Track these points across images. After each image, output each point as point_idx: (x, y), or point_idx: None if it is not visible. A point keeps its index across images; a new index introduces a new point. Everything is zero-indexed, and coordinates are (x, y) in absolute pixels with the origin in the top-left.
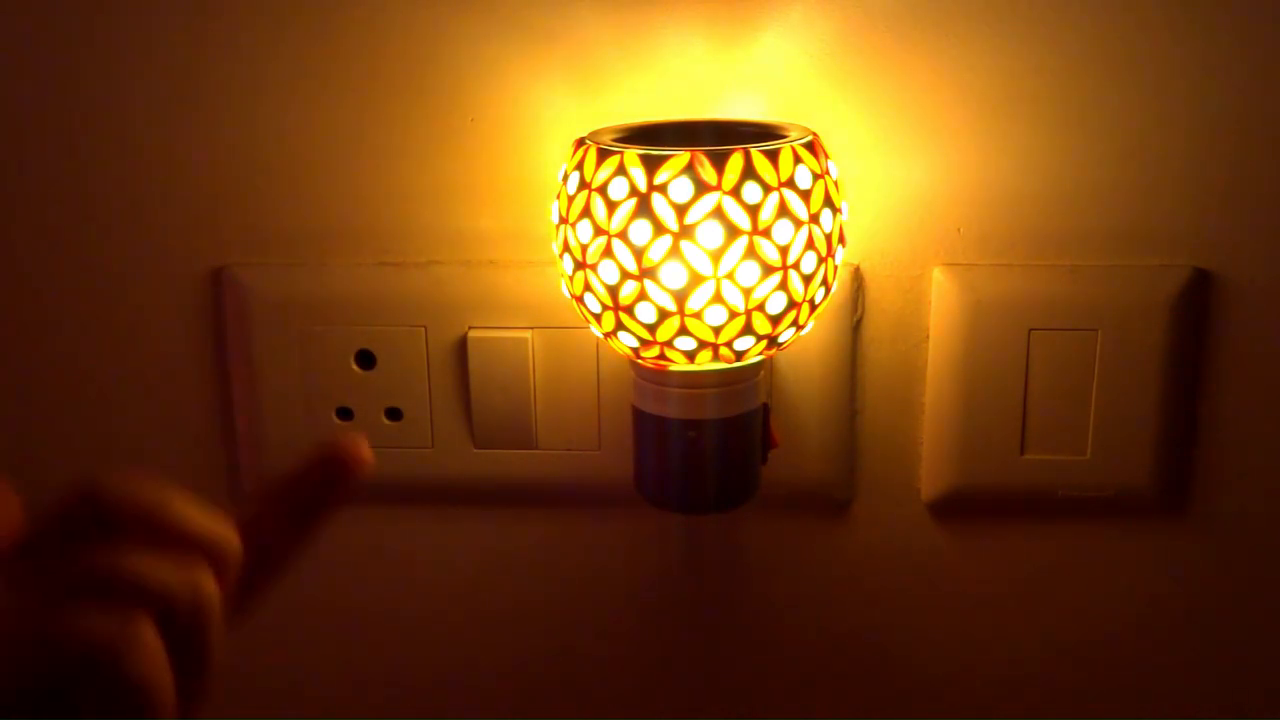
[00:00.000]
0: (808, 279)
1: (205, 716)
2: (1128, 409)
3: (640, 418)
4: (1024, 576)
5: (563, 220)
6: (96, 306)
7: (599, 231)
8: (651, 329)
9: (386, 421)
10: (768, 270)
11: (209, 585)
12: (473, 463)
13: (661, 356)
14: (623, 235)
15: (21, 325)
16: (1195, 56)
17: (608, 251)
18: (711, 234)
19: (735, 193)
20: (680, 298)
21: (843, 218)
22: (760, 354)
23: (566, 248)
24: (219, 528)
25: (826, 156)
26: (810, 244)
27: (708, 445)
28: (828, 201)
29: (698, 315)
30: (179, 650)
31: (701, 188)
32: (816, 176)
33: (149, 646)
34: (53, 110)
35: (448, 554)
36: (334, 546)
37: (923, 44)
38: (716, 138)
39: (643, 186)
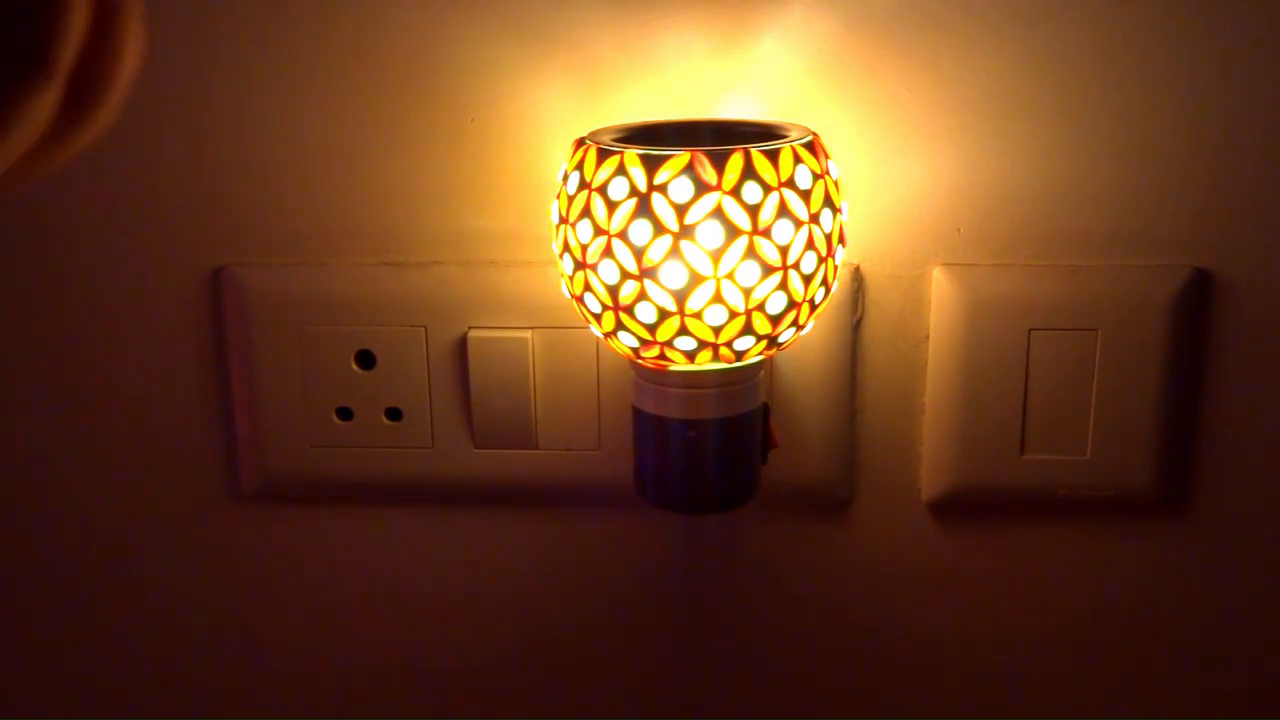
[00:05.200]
0: (808, 279)
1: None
2: (1128, 409)
3: (640, 418)
4: (1024, 576)
5: (563, 220)
6: (96, 306)
7: (599, 231)
8: (651, 329)
9: (386, 421)
10: (768, 270)
11: None
12: (473, 463)
13: (661, 356)
14: (623, 235)
15: (21, 324)
16: (1196, 56)
17: (608, 251)
18: (711, 234)
19: (735, 193)
20: (680, 298)
21: (843, 218)
22: (760, 354)
23: (566, 248)
24: None
25: (827, 156)
26: (810, 244)
27: (708, 445)
28: (828, 201)
29: (698, 315)
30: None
31: (701, 188)
32: (816, 176)
33: None
34: None
35: (448, 554)
36: (334, 546)
37: (922, 44)
38: (716, 138)
39: (643, 186)
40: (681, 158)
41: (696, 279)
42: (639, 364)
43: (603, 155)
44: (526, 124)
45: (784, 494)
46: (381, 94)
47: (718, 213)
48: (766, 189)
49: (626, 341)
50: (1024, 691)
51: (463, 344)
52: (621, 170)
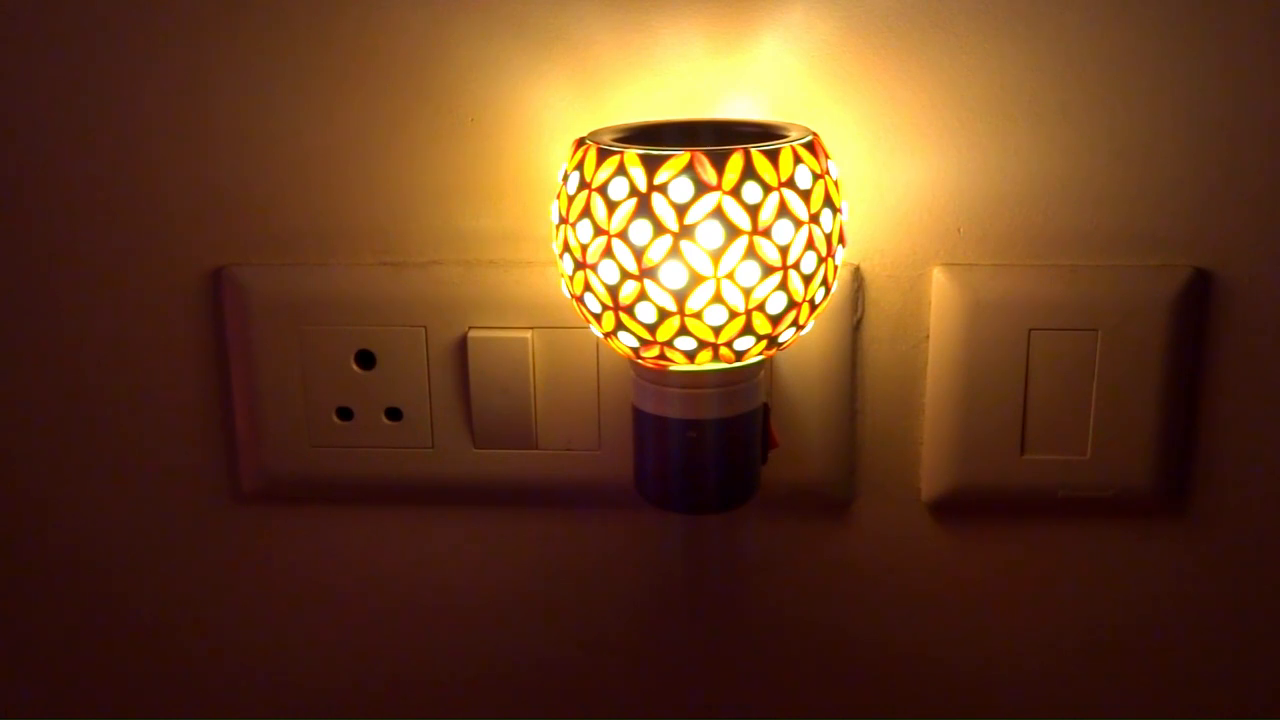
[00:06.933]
0: (808, 279)
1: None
2: (1128, 409)
3: (640, 418)
4: (1024, 576)
5: (563, 220)
6: (96, 306)
7: (599, 231)
8: (651, 329)
9: (386, 421)
10: (768, 270)
11: None
12: (473, 463)
13: (661, 356)
14: (623, 235)
15: (21, 325)
16: (1195, 57)
17: (608, 251)
18: (711, 234)
19: (735, 193)
20: (680, 298)
21: (843, 218)
22: (760, 354)
23: (566, 248)
24: None
25: (827, 156)
26: (810, 244)
27: (708, 445)
28: (828, 201)
29: (698, 315)
30: None
31: (701, 188)
32: (816, 176)
33: None
34: (53, 110)
35: (448, 554)
36: (335, 546)
37: (923, 44)
38: (716, 138)
39: (643, 186)
40: (681, 158)
41: (696, 279)
42: (639, 364)
43: (603, 155)
44: (526, 124)
45: (784, 494)
46: (381, 94)
47: (718, 213)
48: (766, 189)
49: (626, 341)
50: (1024, 691)
51: (463, 344)
52: (621, 170)
